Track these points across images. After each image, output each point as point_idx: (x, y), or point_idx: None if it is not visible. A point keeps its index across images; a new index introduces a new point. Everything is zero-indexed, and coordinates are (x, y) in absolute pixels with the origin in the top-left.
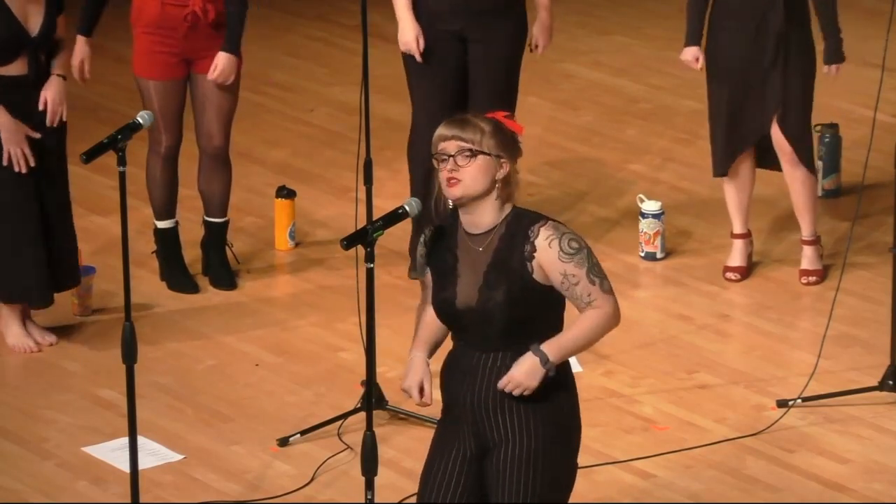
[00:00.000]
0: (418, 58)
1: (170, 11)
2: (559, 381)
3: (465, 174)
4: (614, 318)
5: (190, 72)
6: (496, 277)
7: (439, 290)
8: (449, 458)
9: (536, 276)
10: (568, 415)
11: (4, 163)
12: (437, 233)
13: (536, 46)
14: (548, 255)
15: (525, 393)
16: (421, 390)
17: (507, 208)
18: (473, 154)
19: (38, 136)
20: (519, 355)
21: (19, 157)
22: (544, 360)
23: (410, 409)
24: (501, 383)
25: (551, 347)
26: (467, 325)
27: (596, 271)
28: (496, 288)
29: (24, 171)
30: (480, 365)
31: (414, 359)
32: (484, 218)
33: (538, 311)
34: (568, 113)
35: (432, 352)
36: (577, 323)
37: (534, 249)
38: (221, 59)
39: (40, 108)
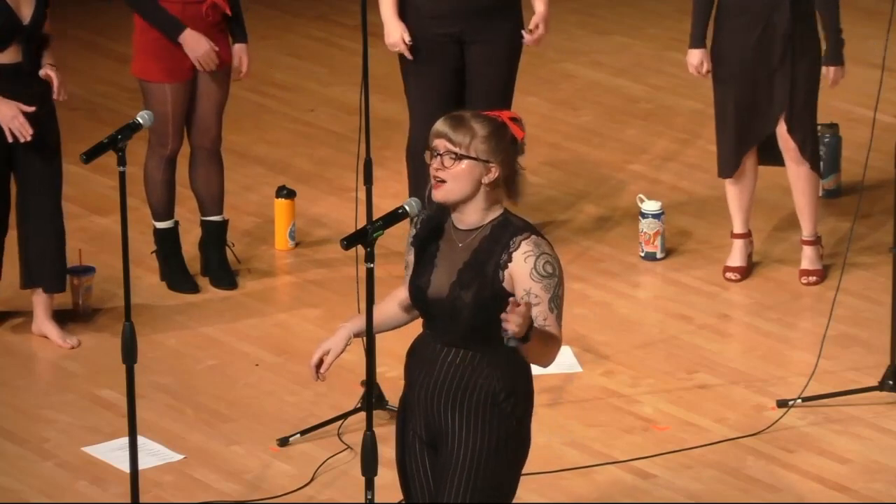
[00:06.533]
0: (408, 55)
1: (190, 10)
2: (515, 389)
3: (449, 176)
4: (557, 353)
5: (196, 71)
6: (469, 278)
7: (415, 276)
8: (413, 447)
9: (506, 284)
10: (517, 423)
11: (9, 139)
12: (430, 218)
13: (531, 32)
14: (520, 269)
15: (509, 325)
16: (321, 362)
17: (496, 211)
18: (458, 158)
19: (31, 109)
20: (479, 357)
21: (18, 129)
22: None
23: None
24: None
25: (533, 338)
26: (435, 316)
27: (557, 303)
28: (467, 288)
29: (28, 138)
30: (440, 357)
31: (339, 329)
32: (469, 217)
33: (496, 319)
34: (568, 113)
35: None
36: (544, 341)
37: (509, 260)
38: (244, 51)
39: (43, 78)
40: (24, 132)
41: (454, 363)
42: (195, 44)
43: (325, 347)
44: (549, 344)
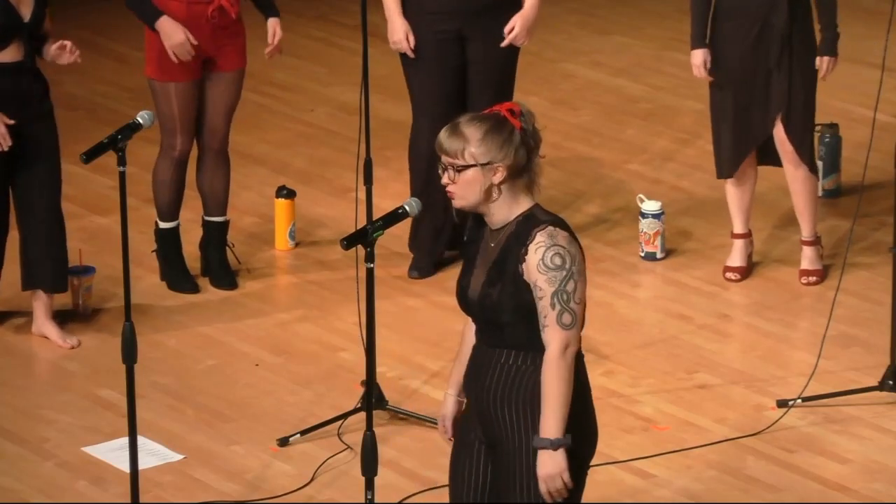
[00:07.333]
0: (410, 54)
1: (195, 10)
2: None
3: (456, 188)
4: (562, 360)
5: (206, 71)
6: (496, 276)
7: (459, 279)
8: (472, 447)
9: (527, 278)
10: (577, 415)
11: None
12: (476, 222)
13: (510, 32)
14: (532, 260)
15: (566, 480)
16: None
17: (523, 206)
18: (459, 169)
19: (11, 122)
20: (522, 355)
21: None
22: (554, 444)
23: (410, 409)
24: (543, 492)
25: (547, 428)
26: (476, 317)
27: (562, 298)
28: (494, 286)
29: (5, 149)
30: (487, 359)
31: (445, 398)
32: (496, 217)
33: (533, 315)
34: (567, 112)
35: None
36: (543, 390)
37: (526, 252)
38: (277, 25)
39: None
40: (4, 143)
41: (499, 362)
42: (171, 31)
43: (442, 418)
44: (555, 388)
